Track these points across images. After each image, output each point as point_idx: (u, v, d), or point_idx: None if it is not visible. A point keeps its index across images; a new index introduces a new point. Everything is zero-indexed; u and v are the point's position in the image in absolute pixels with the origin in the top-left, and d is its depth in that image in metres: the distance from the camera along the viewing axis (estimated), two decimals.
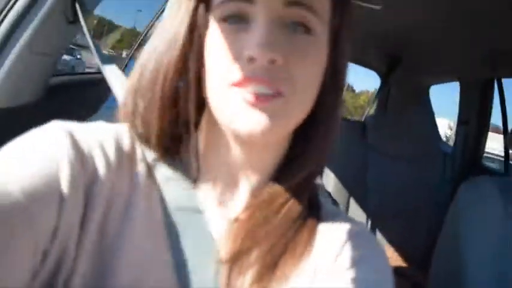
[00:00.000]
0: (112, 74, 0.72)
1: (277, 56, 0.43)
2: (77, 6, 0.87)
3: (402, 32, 1.94)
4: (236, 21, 0.45)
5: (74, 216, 0.41)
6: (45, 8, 0.82)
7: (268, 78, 0.43)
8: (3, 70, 0.81)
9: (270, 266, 0.47)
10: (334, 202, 1.87)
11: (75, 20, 0.90)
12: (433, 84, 2.65)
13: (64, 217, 0.40)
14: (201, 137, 0.50)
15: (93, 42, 0.85)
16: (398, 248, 2.24)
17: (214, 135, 0.49)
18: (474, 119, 2.26)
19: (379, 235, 2.31)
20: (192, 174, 0.50)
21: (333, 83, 0.50)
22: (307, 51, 0.46)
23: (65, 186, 0.40)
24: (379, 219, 2.32)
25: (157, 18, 2.27)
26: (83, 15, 0.89)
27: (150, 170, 0.49)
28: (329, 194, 1.94)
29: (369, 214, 2.33)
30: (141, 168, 0.48)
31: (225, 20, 0.45)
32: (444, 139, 3.97)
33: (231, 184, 0.51)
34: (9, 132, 0.45)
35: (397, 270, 2.07)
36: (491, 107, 2.25)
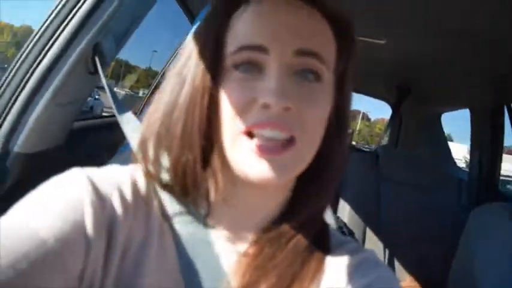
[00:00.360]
0: (128, 122, 0.78)
1: (290, 104, 0.45)
2: (97, 59, 0.94)
3: (409, 64, 1.99)
4: (247, 69, 0.47)
5: (98, 257, 0.44)
6: (69, 63, 0.90)
7: (282, 124, 0.45)
8: (31, 120, 0.89)
9: None
10: (350, 232, 1.87)
11: (96, 71, 0.98)
12: (443, 112, 2.67)
13: (90, 259, 0.43)
14: (211, 177, 0.51)
15: (111, 92, 0.91)
16: (416, 276, 2.21)
17: (224, 175, 0.51)
18: (487, 145, 2.26)
19: (396, 263, 2.29)
20: (203, 212, 0.52)
21: (338, 123, 0.53)
22: (316, 98, 0.48)
23: (89, 230, 0.43)
24: (395, 248, 2.30)
25: (173, 59, 2.37)
26: (102, 67, 0.96)
27: (163, 210, 0.51)
28: (345, 224, 1.95)
29: (386, 243, 2.31)
30: (155, 208, 0.51)
31: (236, 67, 0.47)
32: (464, 164, 3.94)
33: (239, 221, 0.54)
34: (35, 176, 0.50)
35: None
36: (503, 132, 2.25)
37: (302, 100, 0.47)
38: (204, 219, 0.52)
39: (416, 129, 2.66)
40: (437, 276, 2.12)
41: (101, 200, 0.46)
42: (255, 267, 0.49)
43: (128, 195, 0.49)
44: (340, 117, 0.54)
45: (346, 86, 0.54)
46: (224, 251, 0.52)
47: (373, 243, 2.29)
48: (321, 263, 0.53)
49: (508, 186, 6.62)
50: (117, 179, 0.50)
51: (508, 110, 2.16)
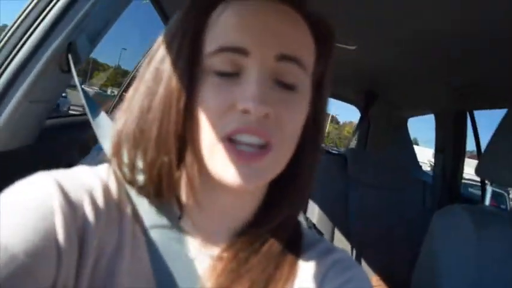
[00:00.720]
0: (101, 123, 0.77)
1: (270, 110, 0.44)
2: (70, 58, 0.94)
3: (378, 70, 2.04)
4: (228, 73, 0.45)
5: (70, 266, 0.42)
6: (42, 61, 0.89)
7: (260, 129, 0.45)
8: (2, 118, 0.87)
9: None
10: (319, 233, 1.91)
11: (69, 69, 0.97)
12: (410, 117, 2.76)
13: (62, 269, 0.41)
14: (187, 181, 0.51)
15: (84, 92, 0.90)
16: (382, 276, 2.28)
17: (200, 179, 0.49)
18: (450, 150, 2.35)
19: (363, 263, 2.35)
20: (177, 216, 0.51)
21: (314, 127, 0.53)
22: (294, 104, 0.48)
23: (61, 239, 0.41)
24: (363, 248, 2.37)
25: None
26: (75, 66, 0.96)
27: (136, 213, 0.50)
28: (314, 225, 1.99)
29: (353, 243, 2.38)
30: (128, 212, 0.49)
31: (216, 71, 0.45)
32: (429, 168, 4.07)
33: (214, 225, 0.53)
34: (6, 175, 0.48)
35: None
36: (465, 137, 2.35)
37: (281, 106, 0.46)
38: (178, 223, 0.51)
39: (383, 132, 2.73)
40: (402, 275, 2.20)
41: (71, 207, 0.44)
42: (229, 271, 0.49)
43: (100, 199, 0.47)
44: (316, 121, 0.53)
45: (324, 91, 0.54)
46: (198, 255, 0.51)
47: (341, 244, 2.34)
48: (294, 265, 0.53)
49: (470, 189, 6.85)
50: (88, 183, 0.48)
51: (470, 116, 2.26)
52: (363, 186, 2.48)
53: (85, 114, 0.83)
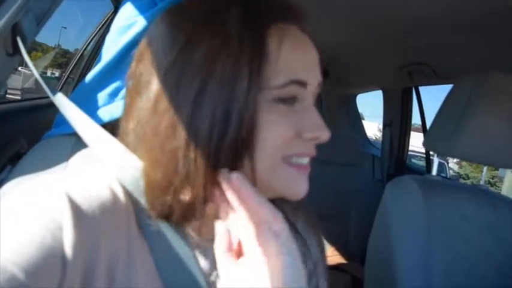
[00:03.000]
0: (62, 102, 0.73)
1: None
2: (19, 40, 0.88)
3: (330, 48, 2.08)
4: (290, 103, 0.48)
5: (74, 283, 0.40)
6: None
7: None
8: None
9: None
10: None
11: (15, 52, 0.91)
12: (359, 93, 2.84)
13: (64, 286, 0.39)
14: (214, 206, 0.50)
15: (38, 73, 0.85)
16: (337, 247, 2.37)
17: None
18: (397, 123, 2.45)
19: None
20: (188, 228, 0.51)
21: None
22: None
23: (68, 256, 0.39)
24: (320, 222, 2.44)
25: (92, 39, 2.27)
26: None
27: (141, 224, 0.49)
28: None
29: None
30: (133, 218, 0.48)
31: (281, 100, 0.47)
32: (374, 140, 4.24)
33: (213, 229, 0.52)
34: None
35: (336, 266, 2.20)
36: (411, 112, 2.46)
37: None
38: (180, 229, 0.51)
39: (334, 109, 2.81)
40: (357, 246, 2.30)
41: (82, 223, 0.41)
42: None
43: (110, 212, 0.45)
44: None
45: None
46: (199, 248, 0.53)
47: None
48: None
49: (413, 160, 7.19)
50: (99, 195, 0.45)
51: (416, 92, 2.36)
52: (321, 163, 2.54)
53: (29, 99, 0.79)
